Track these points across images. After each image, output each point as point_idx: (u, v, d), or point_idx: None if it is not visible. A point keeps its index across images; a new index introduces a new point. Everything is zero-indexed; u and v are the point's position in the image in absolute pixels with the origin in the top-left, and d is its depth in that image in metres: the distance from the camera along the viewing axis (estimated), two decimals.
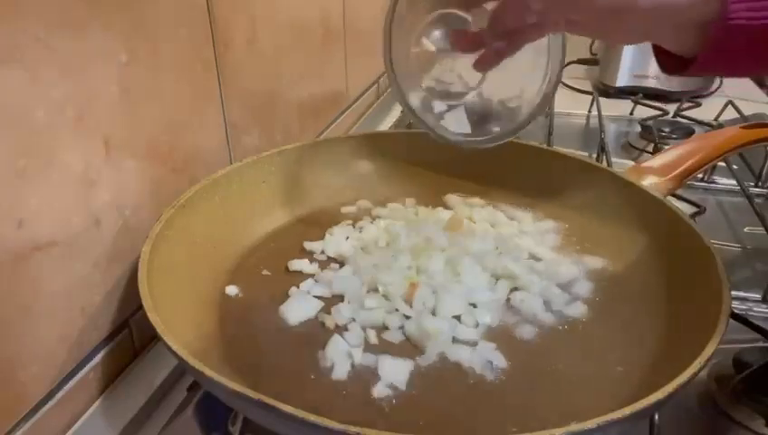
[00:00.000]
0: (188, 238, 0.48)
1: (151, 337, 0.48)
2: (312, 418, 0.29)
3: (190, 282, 0.46)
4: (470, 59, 0.41)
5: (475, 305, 0.47)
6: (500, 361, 0.42)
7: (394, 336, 0.45)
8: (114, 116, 0.41)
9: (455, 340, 0.44)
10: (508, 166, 0.60)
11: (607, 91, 1.09)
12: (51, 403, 0.38)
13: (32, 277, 0.36)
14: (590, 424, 0.30)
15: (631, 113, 0.99)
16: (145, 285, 0.38)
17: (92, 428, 0.41)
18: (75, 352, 0.41)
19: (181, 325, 0.40)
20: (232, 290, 0.49)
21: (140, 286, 0.38)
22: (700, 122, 0.91)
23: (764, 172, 0.74)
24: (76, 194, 0.39)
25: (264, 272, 0.52)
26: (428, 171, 0.62)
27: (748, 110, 0.92)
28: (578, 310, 0.47)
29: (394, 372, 0.41)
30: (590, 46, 1.25)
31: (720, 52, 0.34)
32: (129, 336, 0.46)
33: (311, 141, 0.62)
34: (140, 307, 0.37)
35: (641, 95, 1.02)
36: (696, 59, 0.35)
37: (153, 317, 0.36)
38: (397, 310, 0.47)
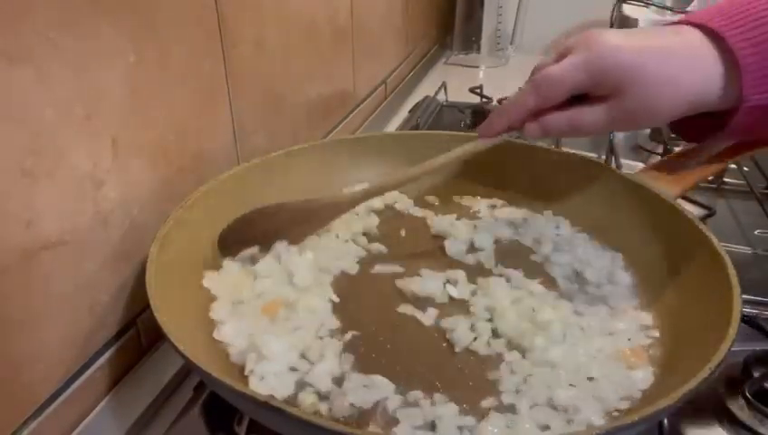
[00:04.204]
0: (196, 239, 0.48)
1: (158, 336, 0.48)
2: (317, 420, 0.29)
3: (197, 282, 0.46)
4: None
5: None
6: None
7: None
8: (122, 116, 0.41)
9: None
10: (515, 167, 0.60)
11: None
12: (58, 402, 0.39)
13: (40, 277, 0.36)
14: (599, 430, 0.29)
15: None
16: (152, 285, 0.38)
17: (99, 426, 0.42)
18: (83, 351, 0.41)
19: (188, 325, 0.40)
20: None
21: (148, 286, 0.38)
22: None
23: None
24: (84, 193, 0.39)
25: None
26: (436, 173, 0.62)
27: None
28: None
29: None
30: None
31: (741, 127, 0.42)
32: (137, 335, 0.46)
33: (318, 142, 0.62)
34: (147, 307, 0.37)
35: None
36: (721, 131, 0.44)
37: (160, 317, 0.36)
38: None
